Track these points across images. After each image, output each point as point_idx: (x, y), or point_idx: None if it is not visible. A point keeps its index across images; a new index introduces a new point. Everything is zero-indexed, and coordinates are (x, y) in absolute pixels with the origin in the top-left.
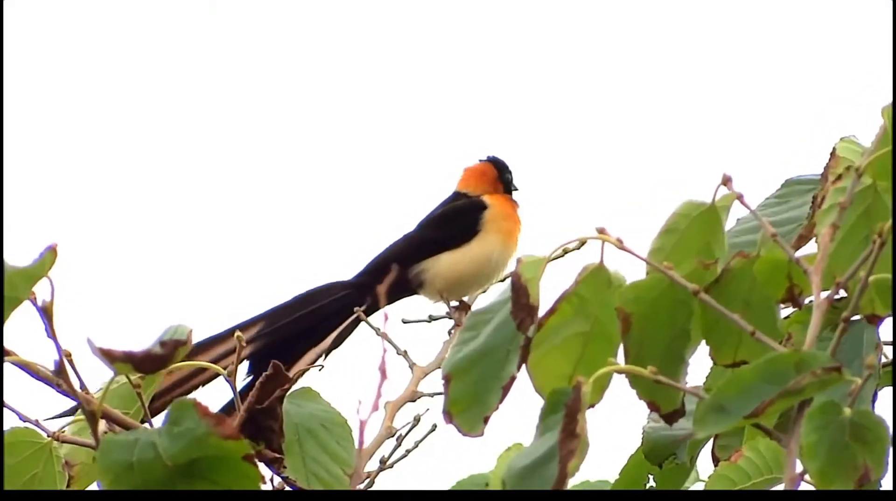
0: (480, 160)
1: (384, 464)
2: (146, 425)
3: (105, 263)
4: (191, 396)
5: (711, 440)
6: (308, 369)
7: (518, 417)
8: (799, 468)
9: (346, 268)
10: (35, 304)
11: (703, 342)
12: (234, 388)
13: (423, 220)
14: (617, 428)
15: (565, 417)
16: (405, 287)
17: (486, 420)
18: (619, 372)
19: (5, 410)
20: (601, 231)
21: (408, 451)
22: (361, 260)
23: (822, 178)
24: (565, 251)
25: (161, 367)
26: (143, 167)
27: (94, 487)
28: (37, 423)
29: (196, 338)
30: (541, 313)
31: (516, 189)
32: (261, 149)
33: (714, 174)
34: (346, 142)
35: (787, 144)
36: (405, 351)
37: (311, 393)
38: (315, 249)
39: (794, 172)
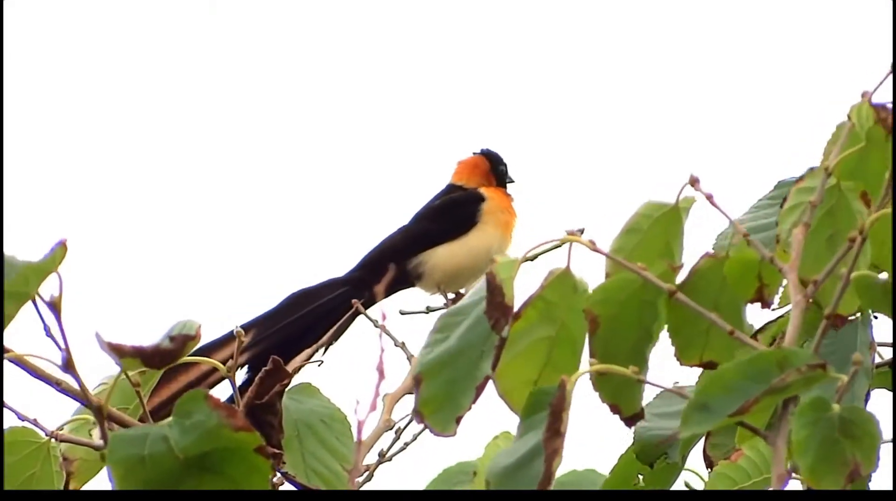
0: (474, 153)
1: (383, 457)
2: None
3: (107, 260)
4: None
5: (703, 438)
6: (306, 363)
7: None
8: (786, 466)
9: (341, 260)
10: (43, 300)
11: (670, 342)
12: (234, 385)
13: (419, 212)
14: (601, 427)
15: (550, 416)
16: (403, 280)
17: (458, 420)
18: (599, 372)
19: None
20: (571, 233)
21: (406, 444)
22: (356, 253)
23: (809, 171)
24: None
25: (170, 362)
26: (143, 166)
27: (92, 484)
28: (35, 422)
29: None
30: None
31: (511, 181)
32: (260, 144)
33: (711, 175)
34: (343, 137)
35: (786, 144)
36: (403, 343)
37: (310, 389)
38: (312, 242)
39: (795, 173)
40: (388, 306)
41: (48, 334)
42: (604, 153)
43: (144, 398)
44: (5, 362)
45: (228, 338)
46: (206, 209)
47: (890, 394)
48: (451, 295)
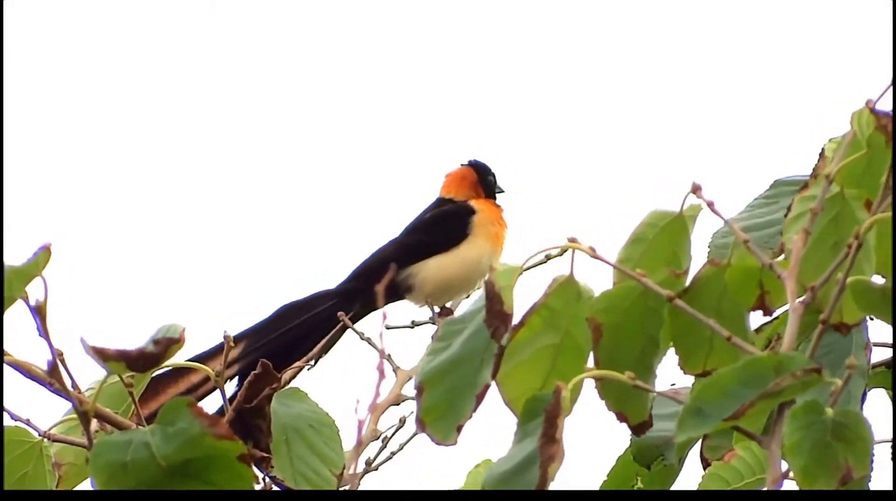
0: (462, 165)
1: (370, 466)
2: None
3: (95, 262)
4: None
5: (700, 441)
6: (297, 370)
7: (495, 422)
8: (782, 468)
9: (334, 269)
10: (28, 303)
11: (673, 350)
12: (223, 394)
13: (410, 225)
14: (601, 430)
15: (545, 422)
16: (393, 292)
17: (459, 429)
18: (596, 378)
19: None
20: (573, 240)
21: (393, 453)
22: (347, 265)
23: (812, 178)
24: (548, 258)
25: (154, 365)
26: (142, 167)
27: (82, 487)
28: (28, 422)
29: (187, 338)
30: (514, 321)
31: (501, 191)
32: (258, 145)
33: (709, 177)
34: (339, 139)
35: (786, 144)
36: (389, 355)
37: (299, 393)
38: (304, 248)
39: (793, 173)
40: (375, 320)
41: (41, 334)
42: (601, 157)
43: (128, 409)
44: None
45: (217, 350)
46: (202, 210)
47: (885, 393)
48: (437, 309)
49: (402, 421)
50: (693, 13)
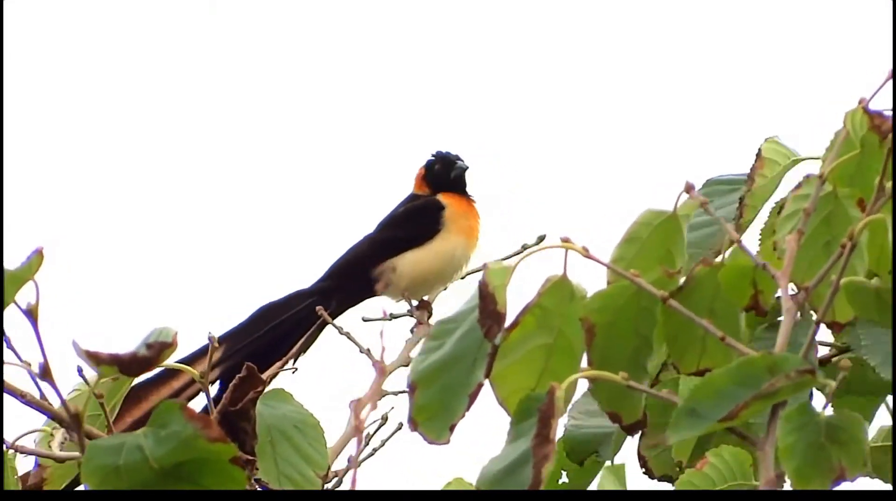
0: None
1: (352, 463)
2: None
3: (86, 265)
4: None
5: (638, 438)
6: (278, 372)
7: (484, 423)
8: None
9: (306, 268)
10: (20, 307)
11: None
12: (208, 396)
13: (383, 221)
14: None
15: (539, 422)
16: (368, 289)
17: (451, 428)
18: (590, 379)
19: None
20: (566, 240)
21: (375, 450)
22: (322, 262)
23: (749, 178)
24: (524, 248)
25: (147, 369)
26: (141, 167)
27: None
28: None
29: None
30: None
31: (463, 170)
32: (257, 148)
33: (705, 174)
34: (338, 141)
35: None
36: (368, 350)
37: (283, 395)
38: (304, 249)
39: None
40: (351, 314)
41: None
42: (596, 156)
43: (113, 411)
44: None
45: (199, 353)
46: (201, 210)
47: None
48: (415, 302)
49: (385, 418)
50: (685, 15)
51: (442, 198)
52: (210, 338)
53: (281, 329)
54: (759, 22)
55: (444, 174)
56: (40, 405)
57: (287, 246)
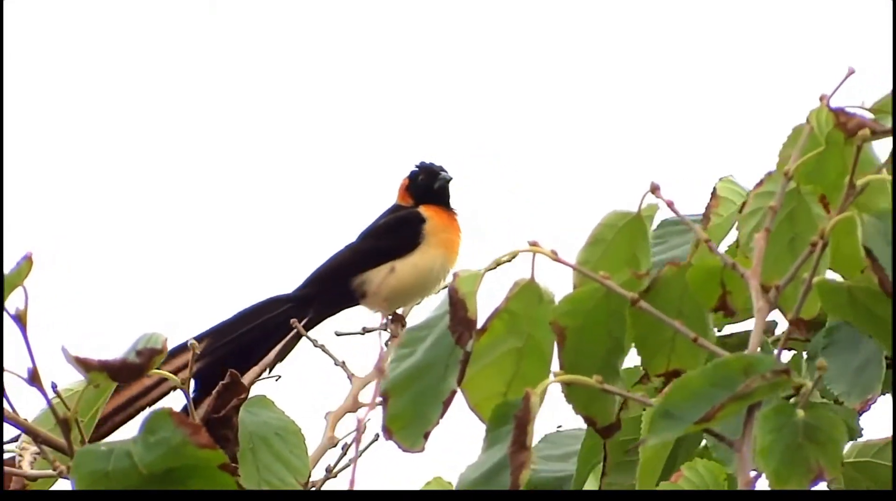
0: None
1: (330, 473)
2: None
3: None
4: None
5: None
6: (257, 379)
7: (461, 429)
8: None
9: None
10: (9, 313)
11: (636, 353)
12: (188, 398)
13: (365, 231)
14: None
15: (516, 429)
16: (347, 298)
17: (426, 436)
18: (564, 382)
19: None
20: (534, 244)
21: (351, 460)
22: (302, 270)
23: (704, 218)
24: (498, 264)
25: (138, 376)
26: (139, 167)
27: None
28: None
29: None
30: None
31: (447, 181)
32: (257, 148)
33: (709, 176)
34: (338, 140)
35: (744, 144)
36: (343, 362)
37: (264, 401)
38: (303, 249)
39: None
40: (325, 327)
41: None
42: (592, 157)
43: (94, 418)
44: None
45: (176, 352)
46: (196, 212)
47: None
48: (389, 316)
49: (363, 428)
50: (684, 15)
51: (423, 210)
52: (190, 345)
53: (257, 333)
54: (759, 22)
55: (428, 185)
56: (13, 419)
57: (286, 246)
